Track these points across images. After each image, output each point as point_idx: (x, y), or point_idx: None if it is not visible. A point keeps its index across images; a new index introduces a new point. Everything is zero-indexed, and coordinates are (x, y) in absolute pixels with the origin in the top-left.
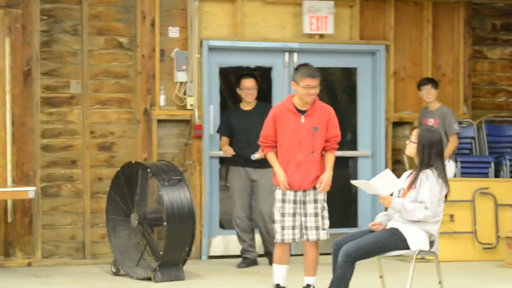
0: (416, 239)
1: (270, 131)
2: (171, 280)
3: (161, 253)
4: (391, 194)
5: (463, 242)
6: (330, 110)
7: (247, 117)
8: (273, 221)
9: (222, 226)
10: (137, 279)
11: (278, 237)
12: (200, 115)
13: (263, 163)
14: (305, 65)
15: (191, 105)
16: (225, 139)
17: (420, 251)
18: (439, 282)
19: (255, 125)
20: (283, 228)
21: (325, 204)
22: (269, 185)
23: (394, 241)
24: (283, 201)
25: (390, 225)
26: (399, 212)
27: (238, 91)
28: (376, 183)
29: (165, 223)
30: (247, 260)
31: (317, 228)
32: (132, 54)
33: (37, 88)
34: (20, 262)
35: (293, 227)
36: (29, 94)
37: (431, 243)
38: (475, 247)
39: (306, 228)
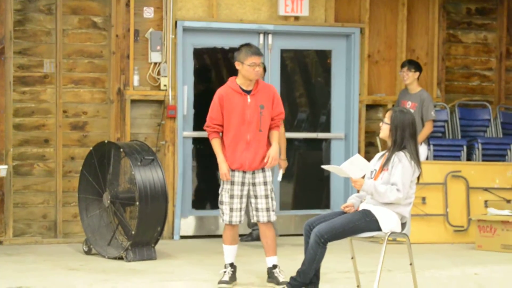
0: (388, 221)
1: (217, 114)
2: (143, 260)
3: (133, 232)
4: (363, 177)
5: (435, 224)
6: (273, 89)
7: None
8: (220, 202)
9: (194, 206)
10: (109, 258)
11: (226, 218)
12: (174, 95)
13: None
14: (247, 44)
15: (165, 85)
16: None
17: (392, 233)
18: (410, 264)
19: None
20: (231, 210)
21: (273, 186)
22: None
23: (366, 222)
24: (232, 183)
25: (362, 206)
26: (371, 195)
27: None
28: (346, 168)
29: (137, 203)
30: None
31: (267, 209)
32: (106, 34)
33: (10, 67)
34: None
35: (240, 209)
36: (2, 73)
37: (403, 225)
38: (446, 230)
39: (257, 209)
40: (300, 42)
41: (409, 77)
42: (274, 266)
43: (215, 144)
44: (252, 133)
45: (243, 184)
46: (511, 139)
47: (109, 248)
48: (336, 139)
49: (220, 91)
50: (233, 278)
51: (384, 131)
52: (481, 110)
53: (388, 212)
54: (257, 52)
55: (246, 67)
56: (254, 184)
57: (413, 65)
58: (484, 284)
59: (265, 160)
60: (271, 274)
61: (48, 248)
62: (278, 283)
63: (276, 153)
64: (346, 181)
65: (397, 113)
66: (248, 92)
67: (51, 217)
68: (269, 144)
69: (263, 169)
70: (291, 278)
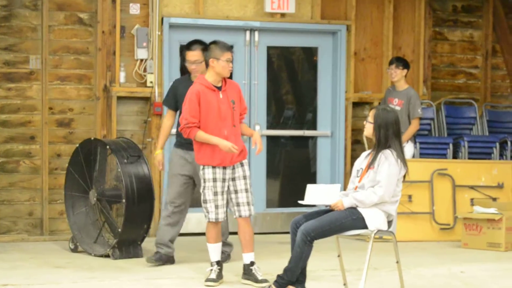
0: (374, 219)
1: (196, 112)
2: (129, 257)
3: (119, 230)
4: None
5: (421, 222)
6: (238, 85)
7: None
8: (203, 201)
9: None
10: (95, 255)
11: (212, 216)
12: (160, 92)
13: None
14: (216, 41)
15: (151, 82)
16: (170, 113)
17: (378, 231)
18: (397, 262)
19: None
20: (217, 207)
21: (250, 181)
22: None
23: (352, 220)
24: (214, 180)
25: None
26: (357, 207)
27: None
28: (317, 200)
29: (123, 200)
30: (158, 254)
31: (248, 203)
32: (92, 30)
33: None
34: None
35: (224, 205)
36: None
37: (389, 223)
38: (432, 227)
39: (238, 204)
40: (287, 39)
41: (397, 74)
42: (252, 263)
43: (202, 135)
44: (228, 128)
45: (224, 180)
46: (497, 137)
47: (95, 245)
48: (323, 136)
49: (195, 88)
50: (220, 276)
51: (368, 129)
52: (467, 108)
53: (374, 210)
54: (230, 48)
55: (222, 63)
56: (234, 179)
57: (401, 62)
58: (470, 282)
59: (252, 146)
60: (248, 271)
61: (34, 246)
62: (256, 280)
63: (260, 137)
64: (333, 178)
65: (380, 111)
66: (219, 88)
67: (37, 214)
68: (241, 138)
69: (241, 164)
70: (278, 276)
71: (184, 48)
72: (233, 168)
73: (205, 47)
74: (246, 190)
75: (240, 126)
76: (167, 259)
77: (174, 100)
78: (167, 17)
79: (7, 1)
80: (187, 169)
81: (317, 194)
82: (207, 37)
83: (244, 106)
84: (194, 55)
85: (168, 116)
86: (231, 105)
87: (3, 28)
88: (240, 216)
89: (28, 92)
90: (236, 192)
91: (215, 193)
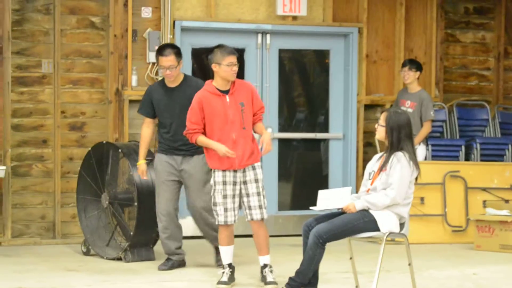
0: (386, 221)
1: (198, 119)
2: (142, 260)
3: (131, 233)
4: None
5: (433, 224)
6: (250, 85)
7: (169, 97)
8: (213, 204)
9: None
10: (108, 259)
11: (221, 219)
12: None
13: (194, 150)
14: (220, 45)
15: None
16: (148, 121)
17: (390, 233)
18: (409, 264)
19: (181, 107)
20: (226, 210)
21: (263, 184)
22: (203, 175)
23: (364, 223)
24: (224, 183)
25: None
26: (369, 209)
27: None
28: (328, 205)
29: (135, 204)
30: (171, 261)
31: (260, 207)
32: (104, 34)
33: (8, 67)
34: None
35: (234, 209)
36: (0, 73)
37: (401, 225)
38: (445, 230)
39: (250, 208)
40: (298, 42)
41: (410, 76)
42: (265, 265)
43: (202, 139)
44: (237, 131)
45: (235, 183)
46: (509, 139)
47: (107, 248)
48: (335, 139)
49: (198, 95)
50: (231, 278)
51: (380, 133)
52: (479, 110)
53: (386, 213)
54: (233, 52)
55: (224, 67)
56: (245, 183)
57: (414, 64)
58: (482, 284)
59: (260, 147)
60: (261, 273)
61: (46, 249)
62: (266, 282)
63: (269, 139)
64: (345, 181)
65: (391, 114)
66: (226, 92)
67: (50, 218)
68: (255, 140)
69: (253, 167)
70: (290, 278)
71: (156, 53)
72: (244, 171)
73: (178, 50)
74: (258, 194)
75: (251, 128)
76: (179, 264)
77: (151, 107)
78: (179, 21)
79: (20, 5)
80: (173, 175)
81: (329, 199)
82: (218, 40)
83: (259, 105)
84: (168, 60)
85: (146, 124)
86: (240, 107)
87: (15, 32)
88: (252, 219)
89: (40, 96)
90: (248, 195)
91: (225, 196)
